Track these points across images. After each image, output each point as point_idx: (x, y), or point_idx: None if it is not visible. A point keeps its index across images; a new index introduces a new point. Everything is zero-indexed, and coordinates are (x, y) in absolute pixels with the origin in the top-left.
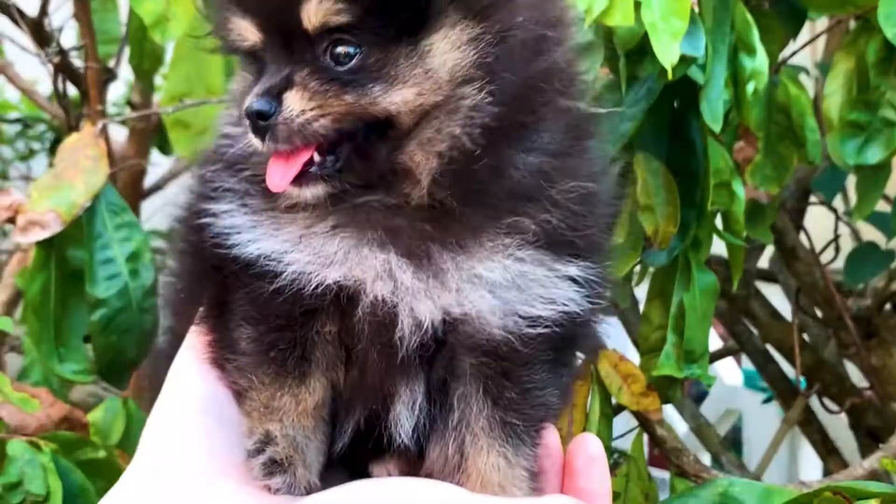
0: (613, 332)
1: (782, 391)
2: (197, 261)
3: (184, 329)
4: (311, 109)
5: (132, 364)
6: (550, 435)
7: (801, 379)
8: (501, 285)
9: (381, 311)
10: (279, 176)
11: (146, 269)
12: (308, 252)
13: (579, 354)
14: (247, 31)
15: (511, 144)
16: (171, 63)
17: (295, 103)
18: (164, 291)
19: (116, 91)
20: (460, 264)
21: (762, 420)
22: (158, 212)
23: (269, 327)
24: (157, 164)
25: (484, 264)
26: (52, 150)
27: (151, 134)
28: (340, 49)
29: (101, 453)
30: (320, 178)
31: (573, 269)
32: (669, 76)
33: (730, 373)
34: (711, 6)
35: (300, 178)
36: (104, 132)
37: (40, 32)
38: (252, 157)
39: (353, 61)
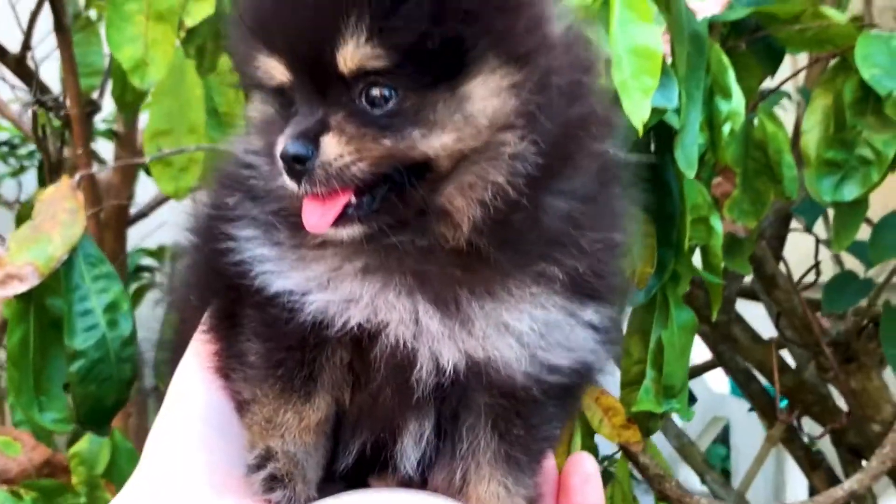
0: None
1: (765, 409)
2: (210, 274)
3: (190, 334)
4: (349, 154)
5: (111, 412)
6: (547, 459)
7: (783, 398)
8: (528, 332)
9: (401, 354)
10: (317, 216)
11: (124, 319)
12: (334, 293)
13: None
14: (275, 70)
15: (548, 191)
16: (153, 100)
17: (332, 147)
18: (173, 293)
19: (106, 108)
20: (488, 312)
21: (749, 427)
22: (149, 236)
23: (279, 346)
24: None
25: (511, 313)
26: (41, 169)
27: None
28: (376, 92)
29: (82, 500)
30: (357, 219)
31: (591, 314)
32: (640, 133)
33: (717, 381)
34: (685, 54)
35: (337, 219)
36: (89, 178)
37: (22, 67)
38: (279, 189)
39: (390, 104)
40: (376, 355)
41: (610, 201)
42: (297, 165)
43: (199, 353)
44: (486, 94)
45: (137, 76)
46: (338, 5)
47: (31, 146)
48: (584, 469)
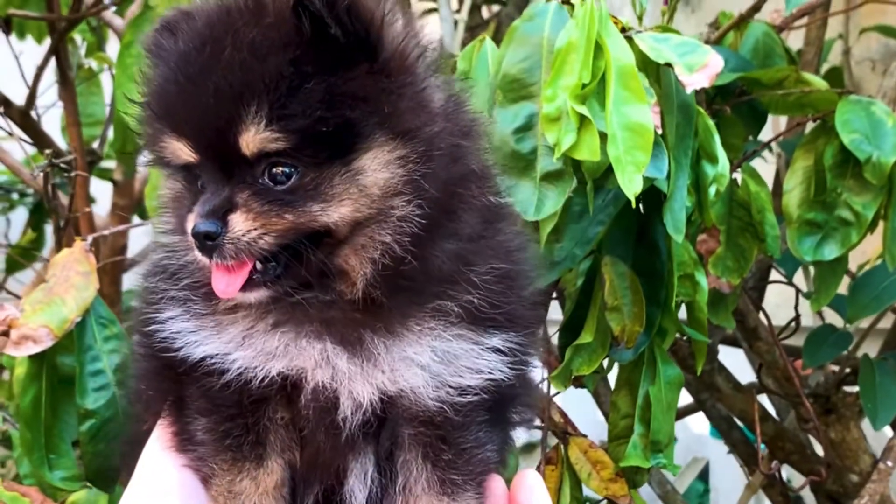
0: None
1: (746, 456)
2: (153, 361)
3: (151, 422)
4: (256, 229)
5: (120, 470)
6: (496, 482)
7: (763, 445)
8: (431, 362)
9: (323, 397)
10: (224, 283)
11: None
12: (251, 349)
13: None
14: (180, 152)
15: (433, 240)
16: None
17: (240, 224)
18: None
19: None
20: (391, 347)
21: (729, 468)
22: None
23: (222, 417)
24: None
25: (413, 347)
26: (33, 212)
27: (132, 210)
28: (278, 170)
29: None
30: (263, 283)
31: (497, 341)
32: (633, 204)
33: (697, 422)
34: (675, 125)
35: (244, 285)
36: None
37: (27, 120)
38: (191, 265)
39: (291, 181)
40: (303, 403)
41: (497, 236)
42: (208, 241)
43: (160, 436)
44: (377, 168)
45: None
46: (238, 94)
47: (21, 186)
48: (528, 482)
